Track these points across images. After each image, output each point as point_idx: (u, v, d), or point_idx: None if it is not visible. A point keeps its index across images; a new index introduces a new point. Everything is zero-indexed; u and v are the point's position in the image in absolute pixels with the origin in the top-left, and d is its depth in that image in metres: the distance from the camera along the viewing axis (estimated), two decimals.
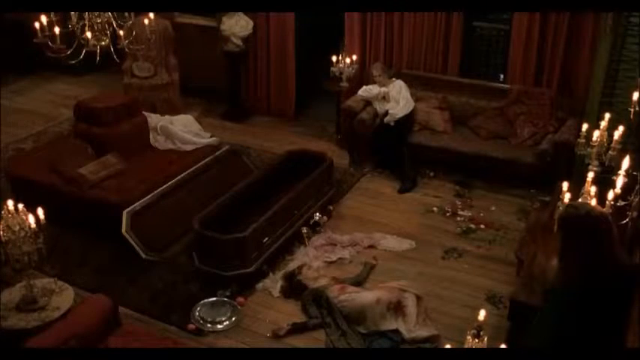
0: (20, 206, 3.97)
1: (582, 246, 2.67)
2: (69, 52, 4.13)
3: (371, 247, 5.42)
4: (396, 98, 6.56)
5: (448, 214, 5.91)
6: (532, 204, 5.94)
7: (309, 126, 7.77)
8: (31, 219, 3.96)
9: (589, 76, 6.12)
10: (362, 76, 7.13)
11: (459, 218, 5.82)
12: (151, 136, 6.27)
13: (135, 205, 5.23)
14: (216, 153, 6.21)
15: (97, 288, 4.63)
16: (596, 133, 3.89)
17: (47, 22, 3.96)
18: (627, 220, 3.45)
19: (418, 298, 4.54)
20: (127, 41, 4.21)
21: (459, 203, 6.04)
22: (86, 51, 4.04)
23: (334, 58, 6.91)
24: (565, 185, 3.46)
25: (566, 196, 3.41)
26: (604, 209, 3.09)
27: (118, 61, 4.77)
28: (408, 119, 6.55)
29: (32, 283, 4.20)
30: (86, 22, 3.97)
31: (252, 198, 5.51)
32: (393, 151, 6.52)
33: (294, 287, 4.83)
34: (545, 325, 2.80)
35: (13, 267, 4.02)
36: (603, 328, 2.67)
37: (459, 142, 6.42)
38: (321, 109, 7.98)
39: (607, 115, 4.00)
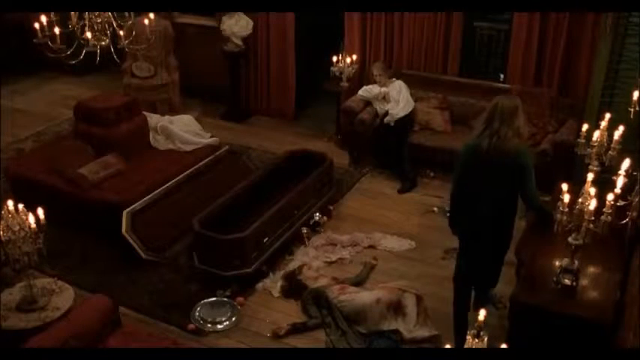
0: (20, 206, 3.97)
1: (500, 124, 3.73)
2: (69, 53, 4.12)
3: (371, 247, 5.43)
4: (396, 98, 6.55)
5: (448, 214, 5.89)
6: None
7: (309, 126, 7.77)
8: (31, 219, 3.95)
9: (589, 76, 6.12)
10: (362, 76, 7.13)
11: None
12: (151, 136, 6.27)
13: (135, 205, 5.23)
14: (216, 153, 6.21)
15: (97, 288, 4.64)
16: (596, 133, 3.88)
17: (47, 22, 3.95)
18: (627, 220, 3.44)
19: (418, 298, 4.54)
20: (127, 41, 4.20)
21: None
22: (86, 51, 4.03)
23: (334, 58, 6.91)
24: (565, 186, 3.45)
25: (566, 197, 3.41)
26: None
27: (118, 61, 4.76)
28: (408, 119, 6.54)
29: (32, 283, 4.19)
30: (86, 22, 3.96)
31: (253, 198, 5.51)
32: (393, 151, 6.52)
33: (294, 287, 4.83)
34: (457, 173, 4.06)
35: (13, 267, 4.02)
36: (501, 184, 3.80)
37: (459, 142, 6.39)
38: (321, 109, 7.98)
39: (607, 115, 4.00)
